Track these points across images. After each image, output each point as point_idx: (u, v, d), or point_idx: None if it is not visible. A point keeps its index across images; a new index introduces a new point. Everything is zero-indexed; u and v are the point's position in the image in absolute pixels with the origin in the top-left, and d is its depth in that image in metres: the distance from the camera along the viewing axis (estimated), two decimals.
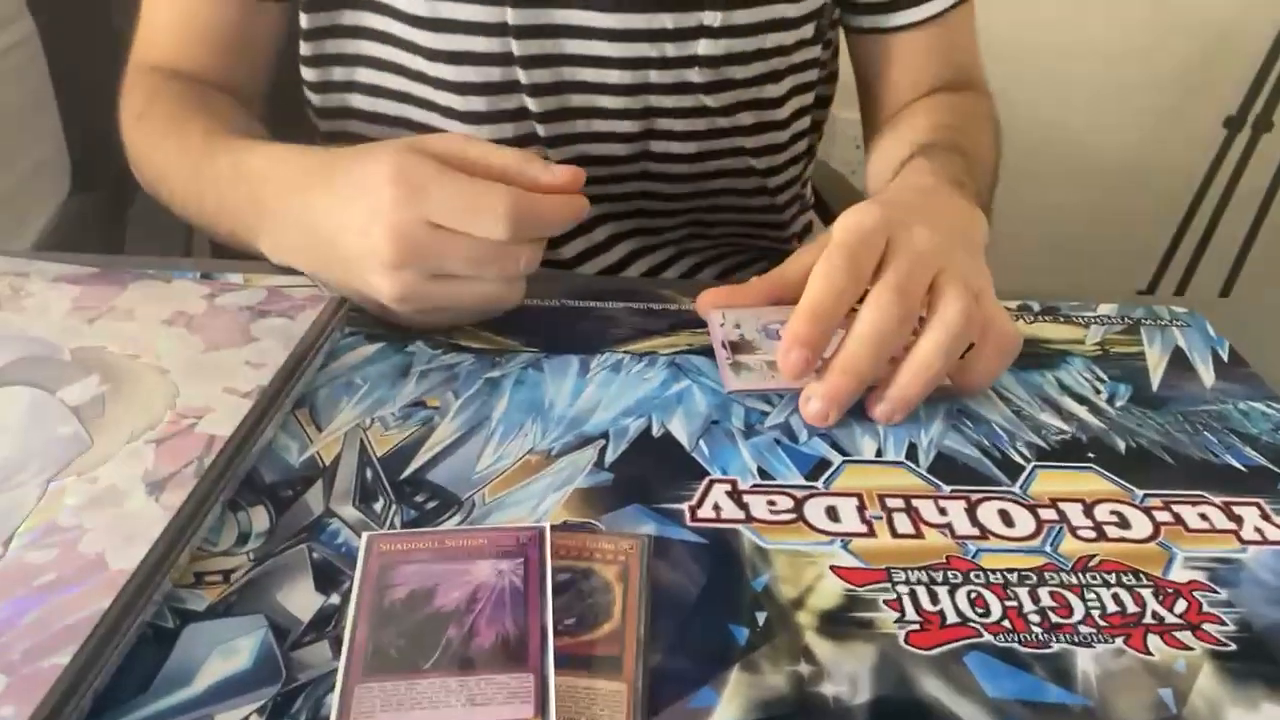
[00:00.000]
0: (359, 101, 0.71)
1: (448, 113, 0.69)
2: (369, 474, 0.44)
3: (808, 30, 0.72)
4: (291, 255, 0.54)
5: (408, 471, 0.44)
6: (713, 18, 0.66)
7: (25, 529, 0.37)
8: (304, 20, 0.70)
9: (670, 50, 0.67)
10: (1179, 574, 0.42)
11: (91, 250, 1.15)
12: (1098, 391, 0.53)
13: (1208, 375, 0.55)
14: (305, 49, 0.71)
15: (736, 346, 0.51)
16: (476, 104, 0.68)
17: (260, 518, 0.41)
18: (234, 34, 0.70)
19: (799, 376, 0.46)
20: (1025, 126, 1.66)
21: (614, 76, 0.67)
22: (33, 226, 1.16)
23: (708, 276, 0.83)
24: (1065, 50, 1.63)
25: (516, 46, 0.66)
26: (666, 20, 0.66)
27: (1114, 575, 0.42)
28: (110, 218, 1.08)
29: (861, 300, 0.47)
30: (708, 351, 0.53)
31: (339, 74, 0.71)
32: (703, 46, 0.67)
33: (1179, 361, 0.56)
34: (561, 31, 0.66)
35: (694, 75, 0.68)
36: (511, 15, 0.65)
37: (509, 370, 0.51)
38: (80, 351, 0.46)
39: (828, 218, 0.94)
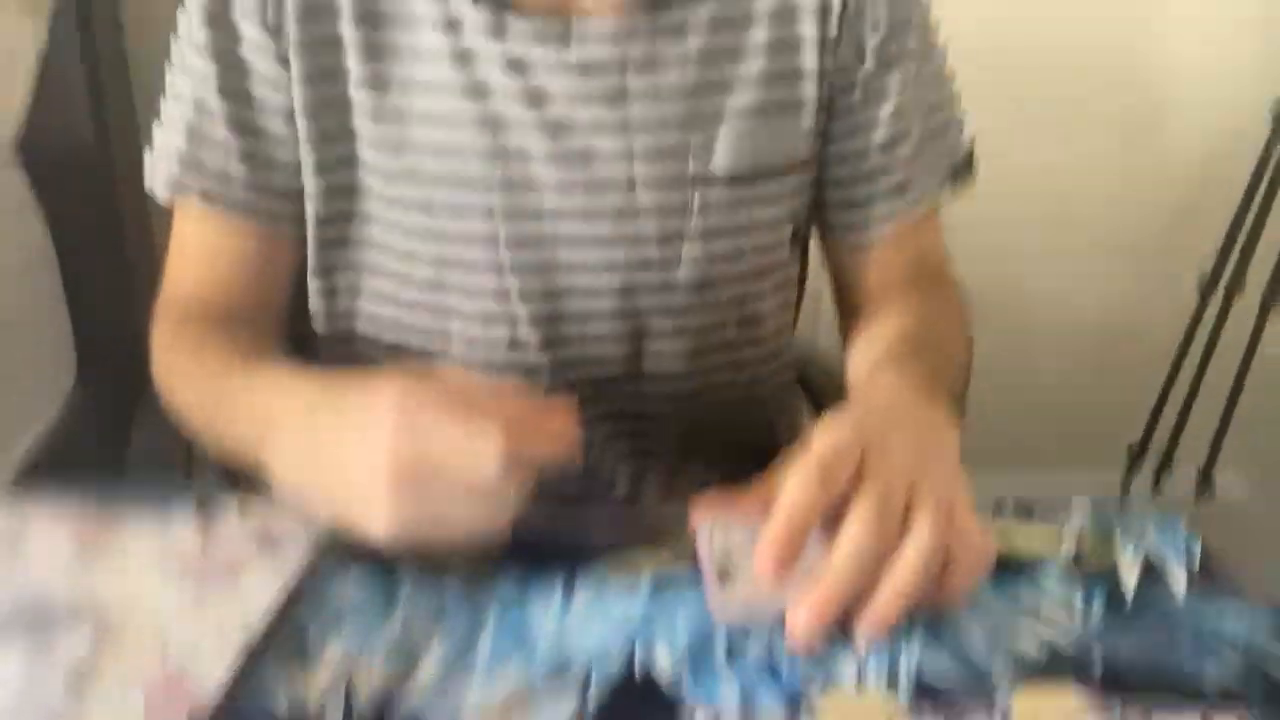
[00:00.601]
0: (362, 328, 0.75)
1: (446, 314, 0.72)
2: (355, 717, 0.45)
3: (784, 251, 0.76)
4: (295, 475, 0.55)
5: (396, 716, 0.45)
6: (692, 247, 0.70)
7: None
8: (314, 232, 0.73)
9: (652, 279, 0.71)
10: None
11: (94, 446, 1.17)
12: (1073, 604, 0.54)
13: (1182, 582, 0.56)
14: (316, 260, 0.75)
15: (724, 571, 0.52)
16: (470, 307, 0.72)
17: None
18: (253, 265, 0.74)
19: (773, 584, 0.47)
20: (1001, 296, 1.71)
21: (604, 280, 0.71)
22: (39, 419, 1.19)
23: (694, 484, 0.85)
24: (1035, 217, 1.68)
25: (508, 257, 0.70)
26: (650, 249, 0.70)
27: None
28: (114, 417, 1.11)
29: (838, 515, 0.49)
30: (693, 567, 0.55)
31: (343, 303, 0.75)
32: (683, 274, 0.71)
33: (1153, 570, 0.57)
34: (550, 267, 0.70)
35: (680, 282, 0.72)
36: (504, 229, 0.69)
37: (493, 596, 0.52)
38: (74, 599, 0.47)
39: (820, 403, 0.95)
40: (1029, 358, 1.76)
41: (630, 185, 0.68)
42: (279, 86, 0.68)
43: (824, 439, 0.49)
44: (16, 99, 1.15)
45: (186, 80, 0.69)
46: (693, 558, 0.54)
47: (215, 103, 0.69)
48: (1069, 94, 1.59)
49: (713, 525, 0.54)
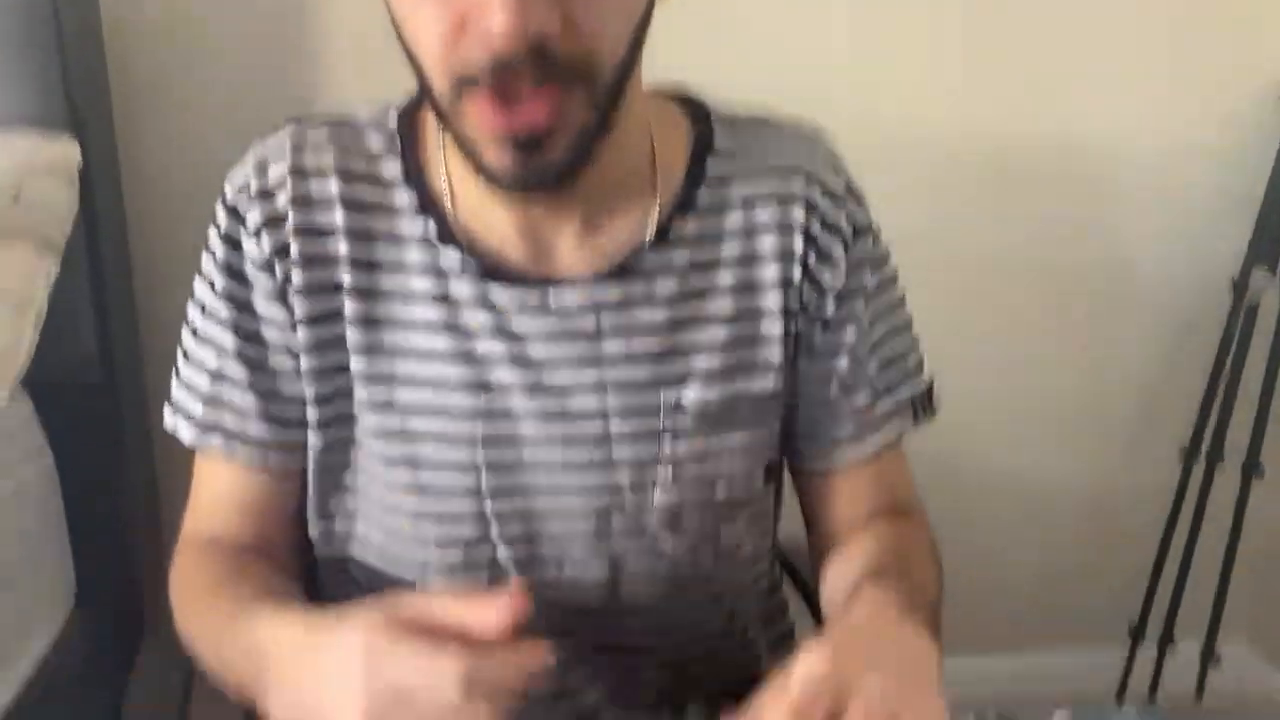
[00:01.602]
0: (355, 552, 0.78)
1: (425, 567, 0.75)
2: None
3: (758, 481, 0.78)
4: (287, 714, 0.58)
5: None
6: (663, 472, 0.73)
7: None
8: (311, 500, 0.77)
9: (628, 501, 0.73)
10: None
11: (91, 678, 1.15)
12: None
13: None
14: (312, 520, 0.79)
15: None
16: (452, 557, 0.74)
17: None
18: (269, 506, 0.77)
19: None
20: (982, 468, 1.73)
21: (580, 526, 0.73)
22: (36, 648, 1.17)
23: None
24: (1010, 389, 1.71)
25: (490, 505, 0.73)
26: (622, 477, 0.73)
27: None
28: (112, 650, 1.10)
29: None
30: None
31: (339, 536, 0.78)
32: (657, 498, 0.74)
33: None
34: (528, 491, 0.73)
35: (652, 522, 0.74)
36: (486, 479, 0.72)
37: None
38: None
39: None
40: (1018, 541, 1.76)
41: (603, 414, 0.72)
42: (290, 352, 0.72)
43: (800, 673, 0.51)
44: (27, 335, 1.19)
45: (207, 347, 0.74)
46: None
47: (235, 369, 0.73)
48: (1028, 282, 1.65)
49: None
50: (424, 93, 0.63)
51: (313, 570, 0.82)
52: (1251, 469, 1.61)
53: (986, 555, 1.70)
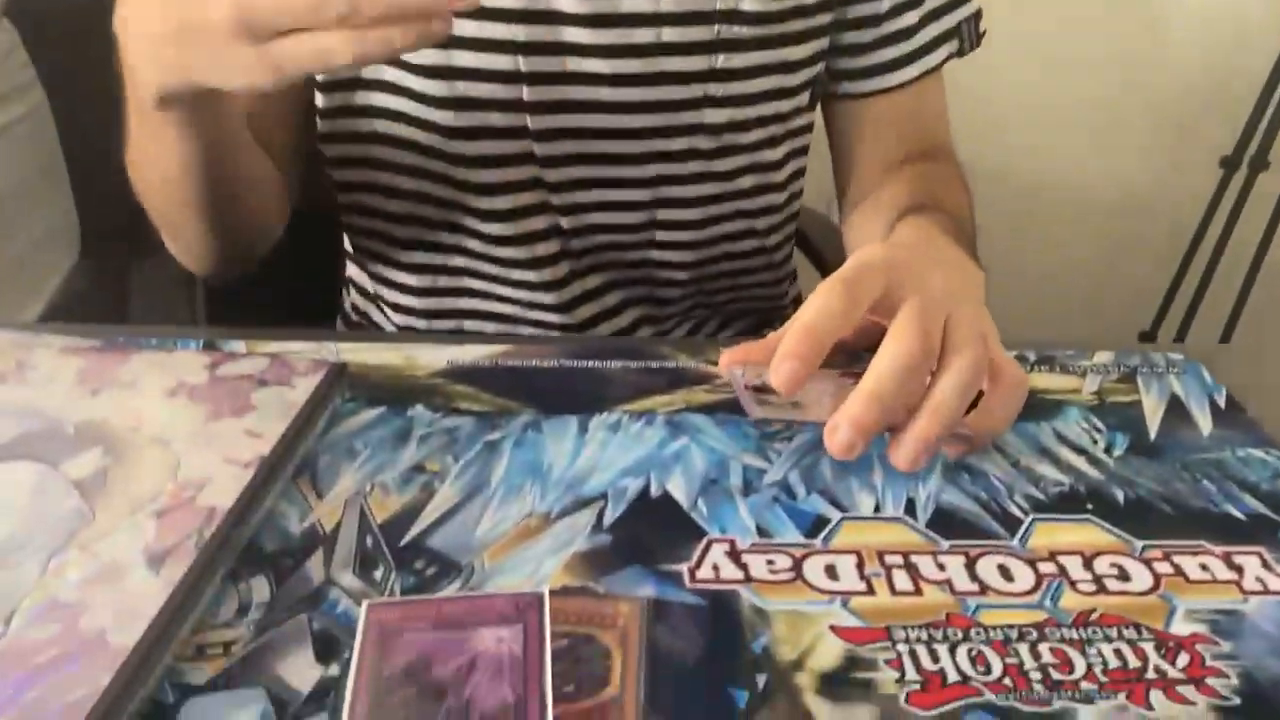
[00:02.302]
0: (376, 178, 0.73)
1: (463, 186, 0.71)
2: (369, 541, 0.44)
3: (804, 98, 0.75)
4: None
5: (407, 538, 0.45)
6: (715, 88, 0.68)
7: (27, 606, 0.37)
8: (320, 100, 0.71)
9: (676, 119, 0.69)
10: (1181, 626, 0.42)
11: (99, 316, 1.16)
12: (1095, 441, 0.53)
13: (1205, 423, 0.55)
14: (322, 127, 0.73)
15: (759, 389, 0.51)
16: (491, 176, 0.70)
17: (261, 588, 0.42)
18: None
19: (790, 389, 0.45)
20: (1018, 168, 1.68)
21: (625, 146, 0.69)
22: (44, 291, 1.18)
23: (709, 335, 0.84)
24: (1056, 91, 1.65)
25: (531, 121, 0.68)
26: (675, 91, 0.68)
27: (1115, 630, 0.42)
28: (119, 283, 1.10)
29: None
30: (706, 409, 0.54)
31: (356, 151, 0.73)
32: (707, 115, 0.69)
33: (1176, 409, 0.56)
34: (574, 107, 0.68)
35: (700, 142, 0.70)
36: (527, 92, 0.67)
37: (508, 433, 0.51)
38: (83, 424, 0.46)
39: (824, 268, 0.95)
40: (1042, 238, 1.74)
41: (656, 20, 0.66)
42: None
43: (851, 261, 0.48)
44: None
45: None
46: (709, 404, 0.53)
47: None
48: None
49: (743, 368, 0.53)
50: None
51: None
52: None
53: (1003, 250, 1.68)
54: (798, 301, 0.89)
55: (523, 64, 0.67)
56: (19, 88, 1.17)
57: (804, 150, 0.79)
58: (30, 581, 0.38)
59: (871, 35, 0.74)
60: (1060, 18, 1.60)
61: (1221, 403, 0.57)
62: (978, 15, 0.77)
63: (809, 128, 0.78)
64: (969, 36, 0.77)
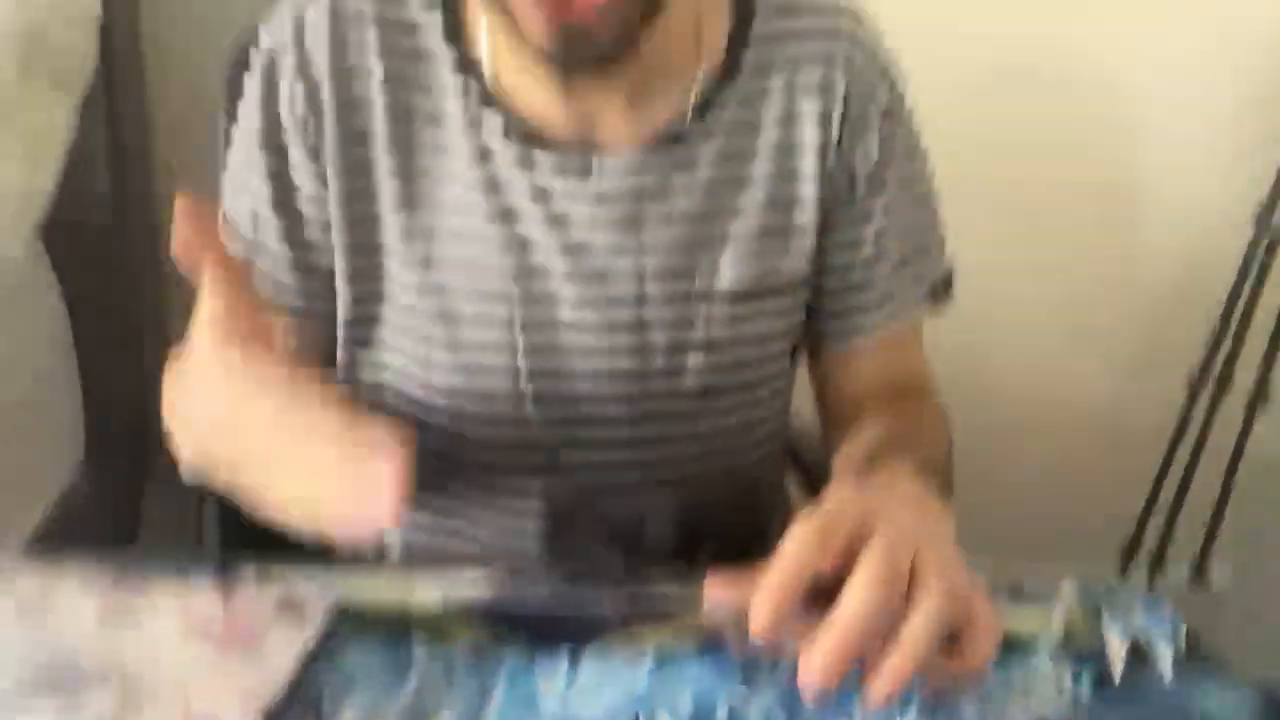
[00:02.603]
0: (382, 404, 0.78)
1: (457, 418, 0.75)
2: None
3: (784, 360, 0.80)
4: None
5: None
6: (697, 359, 0.74)
7: None
8: (340, 354, 0.77)
9: (659, 386, 0.75)
10: None
11: (103, 521, 1.18)
12: (1062, 682, 0.56)
13: (1169, 662, 0.58)
14: (341, 379, 0.78)
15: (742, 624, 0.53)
16: (485, 411, 0.75)
17: None
18: (298, 349, 0.76)
19: (768, 633, 0.47)
20: (988, 386, 1.74)
21: (610, 389, 0.74)
22: (47, 491, 1.20)
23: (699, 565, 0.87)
24: (1022, 309, 1.71)
25: (524, 364, 0.73)
26: (657, 361, 0.74)
27: None
28: (125, 495, 1.13)
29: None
30: (694, 640, 0.56)
31: (367, 399, 0.78)
32: (688, 381, 0.75)
33: (1140, 649, 0.59)
34: (565, 375, 0.74)
35: (682, 404, 0.76)
36: (523, 361, 0.73)
37: (501, 665, 0.54)
38: (101, 663, 0.49)
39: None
40: (1016, 453, 1.78)
41: (641, 301, 0.73)
42: (320, 202, 0.72)
43: (822, 505, 0.51)
44: (45, 183, 1.19)
45: (243, 196, 0.74)
46: (696, 634, 0.56)
47: (269, 216, 0.73)
48: (1049, 191, 1.64)
49: (725, 600, 0.56)
50: None
51: None
52: (1258, 397, 1.61)
53: (978, 468, 1.72)
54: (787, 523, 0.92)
55: (518, 313, 0.72)
56: (41, 301, 1.23)
57: (787, 390, 0.83)
58: None
59: (848, 299, 0.78)
60: (1024, 247, 1.68)
61: (1182, 644, 0.59)
62: (950, 270, 0.82)
63: (790, 385, 0.83)
64: (943, 289, 0.82)
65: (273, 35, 0.72)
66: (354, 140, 0.71)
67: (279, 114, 0.71)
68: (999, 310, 1.63)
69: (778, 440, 0.86)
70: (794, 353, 0.82)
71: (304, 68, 0.70)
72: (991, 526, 1.73)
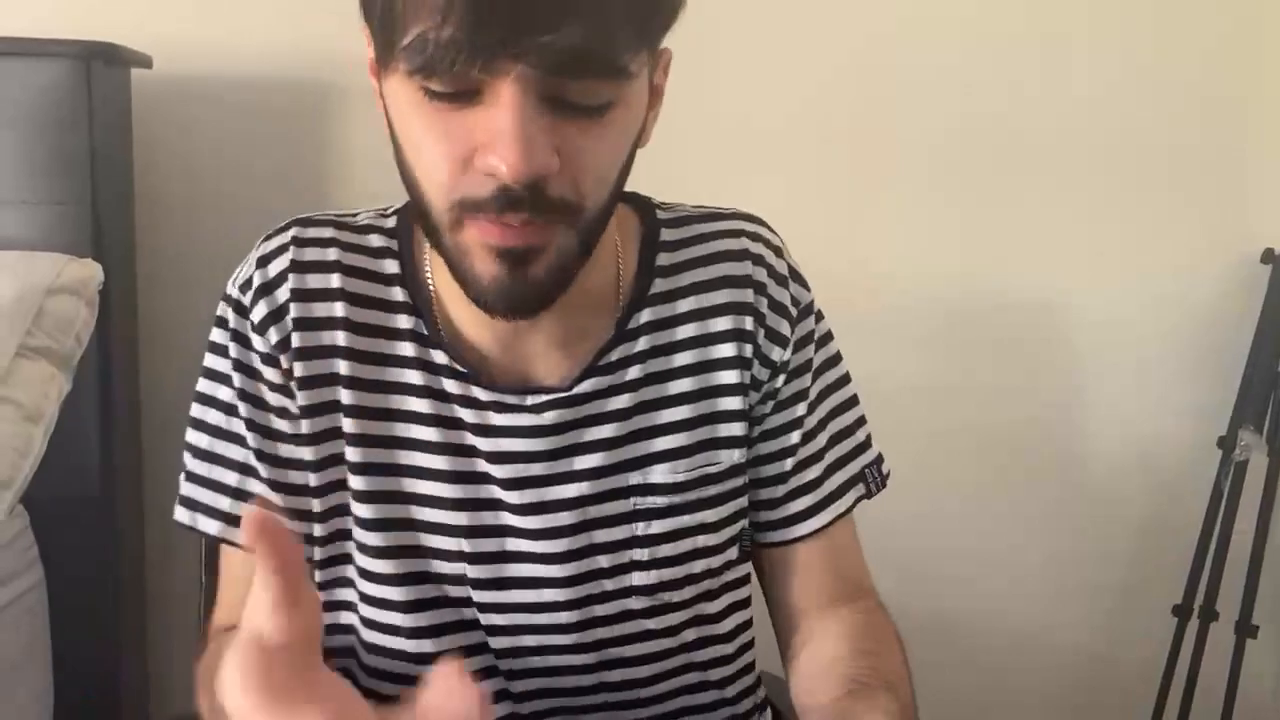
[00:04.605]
0: (352, 643, 0.78)
1: (418, 659, 0.75)
2: None
3: (732, 553, 0.80)
4: None
5: None
6: (640, 554, 0.75)
7: None
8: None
9: (608, 585, 0.75)
10: None
11: None
12: None
13: None
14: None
15: None
16: (442, 645, 0.75)
17: None
18: None
19: None
20: (972, 626, 1.72)
21: (563, 617, 0.75)
22: None
23: None
24: (1000, 551, 1.71)
25: (475, 594, 0.74)
26: (601, 560, 0.75)
27: None
28: None
29: None
30: None
31: (341, 619, 0.78)
32: (636, 579, 0.75)
33: None
34: (514, 583, 0.74)
35: (633, 603, 0.76)
36: (470, 570, 0.74)
37: None
38: None
39: None
40: (1011, 701, 1.74)
41: (580, 503, 0.74)
42: (297, 442, 0.75)
43: None
44: (35, 447, 1.21)
45: (230, 443, 0.76)
46: None
47: (257, 465, 0.75)
48: (1023, 440, 1.69)
49: None
50: (418, 211, 0.67)
51: None
52: (1245, 630, 1.61)
53: (976, 713, 1.68)
54: None
55: (466, 546, 0.74)
56: (20, 568, 1.23)
57: (746, 602, 0.83)
58: None
59: (782, 490, 0.80)
60: (995, 488, 1.71)
61: None
62: (879, 460, 0.84)
63: (746, 579, 0.82)
64: (874, 479, 0.83)
65: (239, 284, 0.75)
66: (320, 383, 0.74)
67: (253, 364, 0.74)
68: (974, 561, 1.64)
69: (742, 640, 0.84)
70: (744, 549, 0.82)
71: (272, 314, 0.74)
72: None
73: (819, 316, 0.82)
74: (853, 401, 0.84)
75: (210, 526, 0.76)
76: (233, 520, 0.76)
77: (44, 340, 1.24)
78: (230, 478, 0.76)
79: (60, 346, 1.26)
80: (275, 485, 0.75)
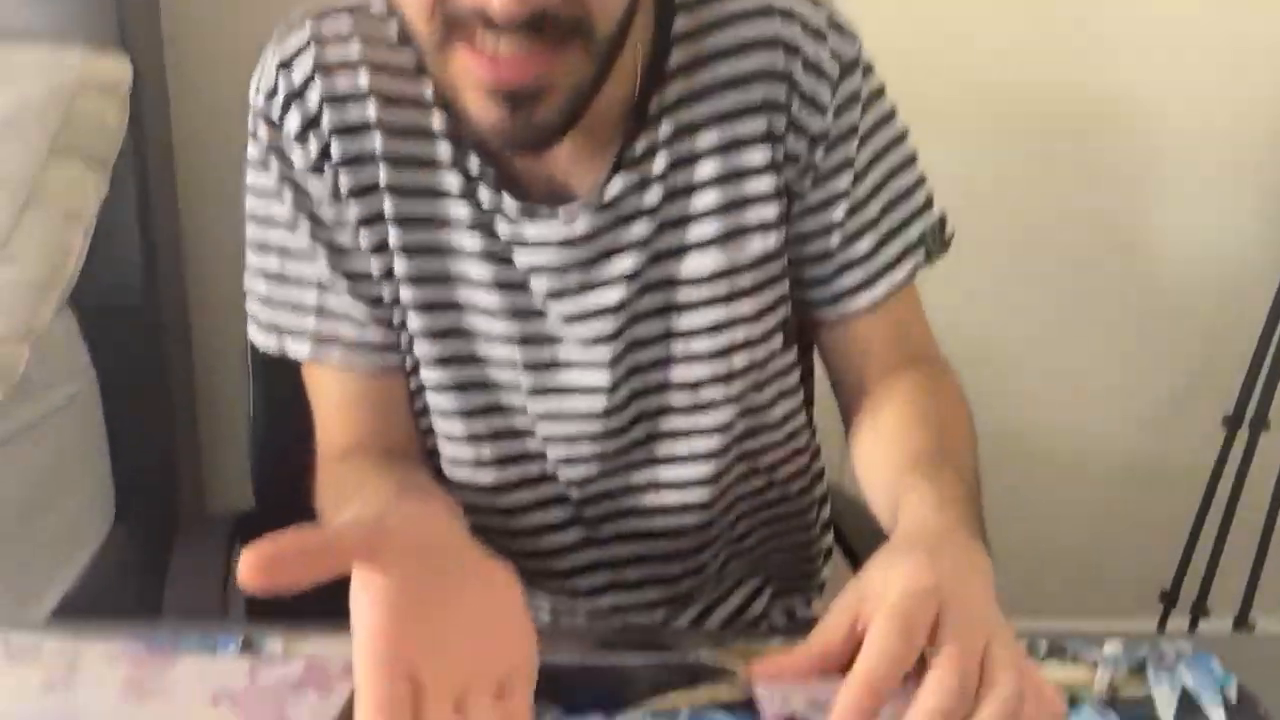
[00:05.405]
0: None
1: (476, 467, 0.76)
2: None
3: (776, 341, 0.77)
4: None
5: None
6: (679, 347, 0.73)
7: None
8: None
9: (653, 381, 0.74)
10: None
11: (133, 587, 1.18)
12: None
13: (1217, 716, 0.56)
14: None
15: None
16: (502, 452, 0.76)
17: None
18: (390, 403, 0.76)
19: None
20: (1023, 432, 1.72)
21: (614, 422, 0.74)
22: (77, 559, 1.21)
23: (736, 605, 0.86)
24: (1054, 354, 1.70)
25: (530, 405, 0.74)
26: (641, 355, 0.73)
27: None
28: (152, 554, 1.13)
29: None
30: (728, 707, 0.55)
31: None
32: (677, 374, 0.74)
33: (1188, 703, 0.57)
34: (561, 388, 0.74)
35: (678, 399, 0.75)
36: (524, 379, 0.73)
37: None
38: None
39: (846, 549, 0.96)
40: (1054, 506, 1.76)
41: (621, 305, 0.72)
42: (363, 252, 0.72)
43: (903, 592, 0.49)
44: (76, 248, 1.21)
45: (301, 261, 0.73)
46: (730, 695, 0.55)
47: (334, 279, 0.72)
48: (1082, 246, 1.64)
49: (773, 691, 0.55)
50: (409, 33, 0.62)
51: None
52: None
53: (1016, 518, 1.70)
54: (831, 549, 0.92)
55: (519, 355, 0.73)
56: (72, 370, 1.24)
57: (796, 390, 0.81)
58: None
59: (832, 267, 0.75)
60: (1055, 289, 1.68)
61: (1233, 695, 0.58)
62: (942, 221, 0.78)
63: (795, 366, 0.80)
64: (934, 243, 0.77)
65: (264, 94, 0.70)
66: (365, 192, 0.71)
67: (299, 179, 0.71)
68: (1029, 367, 1.63)
69: (796, 426, 0.83)
70: (790, 336, 0.79)
71: (307, 124, 0.69)
72: (1030, 576, 1.72)
73: (867, 70, 0.73)
74: (909, 162, 0.76)
75: (300, 350, 0.74)
76: (321, 340, 0.74)
77: (77, 140, 1.21)
78: (309, 296, 0.73)
79: (94, 147, 1.23)
80: (364, 297, 0.73)
